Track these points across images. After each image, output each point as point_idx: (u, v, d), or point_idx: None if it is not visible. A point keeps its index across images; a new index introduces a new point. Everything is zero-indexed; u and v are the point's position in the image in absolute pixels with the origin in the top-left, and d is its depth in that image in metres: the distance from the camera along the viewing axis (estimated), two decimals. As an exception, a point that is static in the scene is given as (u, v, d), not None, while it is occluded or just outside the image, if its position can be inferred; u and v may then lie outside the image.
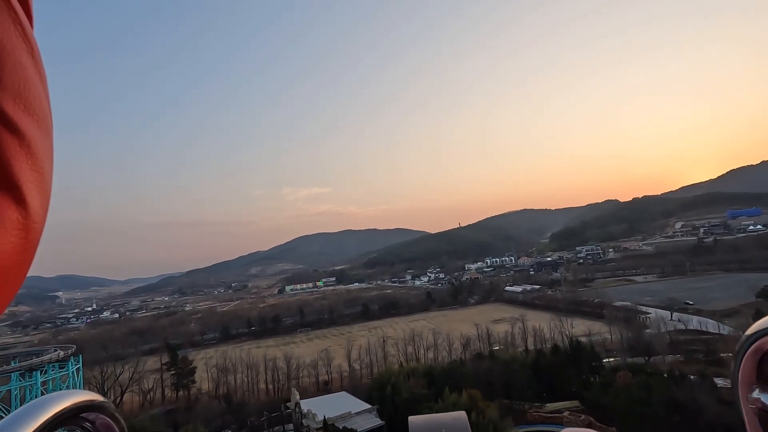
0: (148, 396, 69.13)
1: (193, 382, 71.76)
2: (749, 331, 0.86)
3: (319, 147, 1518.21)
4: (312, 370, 71.73)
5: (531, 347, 78.64)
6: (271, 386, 70.57)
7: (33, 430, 0.53)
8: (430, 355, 73.20)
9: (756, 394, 0.86)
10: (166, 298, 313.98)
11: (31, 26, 0.44)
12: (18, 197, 0.43)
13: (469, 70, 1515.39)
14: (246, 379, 70.86)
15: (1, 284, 0.43)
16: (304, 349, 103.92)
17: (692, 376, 48.23)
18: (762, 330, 0.83)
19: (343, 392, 48.75)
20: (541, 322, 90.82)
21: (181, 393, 69.82)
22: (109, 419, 0.81)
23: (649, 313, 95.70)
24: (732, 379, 0.92)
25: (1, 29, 0.43)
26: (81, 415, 0.74)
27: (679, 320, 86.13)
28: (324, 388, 67.28)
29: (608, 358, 72.60)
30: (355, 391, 63.99)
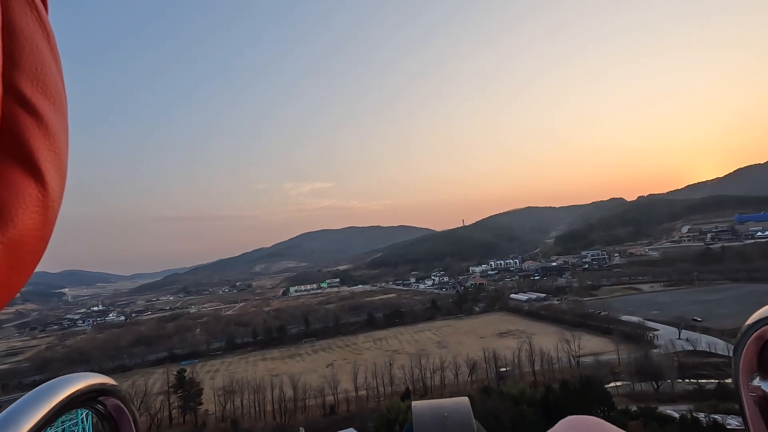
0: (155, 418, 69.33)
1: (200, 404, 71.95)
2: (751, 319, 0.88)
3: (320, 143, 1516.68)
4: (318, 393, 71.66)
5: (538, 368, 78.75)
6: (277, 406, 70.72)
7: (47, 411, 0.55)
8: (437, 378, 72.90)
9: (756, 382, 0.87)
10: (171, 298, 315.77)
11: (46, 12, 0.45)
12: (37, 175, 0.44)
13: (473, 66, 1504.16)
14: (253, 402, 71.08)
15: (22, 259, 0.44)
16: (309, 362, 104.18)
17: (703, 415, 47.78)
18: (764, 318, 0.84)
19: (351, 429, 48.61)
20: (547, 338, 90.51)
21: (188, 416, 70.06)
22: (120, 402, 0.84)
23: (657, 330, 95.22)
24: (733, 366, 0.93)
25: (19, 14, 0.44)
26: (93, 398, 0.76)
27: (687, 339, 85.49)
28: (330, 413, 67.25)
29: (616, 381, 72.36)
30: (362, 418, 64.07)
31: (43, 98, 0.44)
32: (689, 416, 44.22)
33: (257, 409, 70.67)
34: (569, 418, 1.11)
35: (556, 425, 1.07)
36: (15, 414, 0.52)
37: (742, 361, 0.89)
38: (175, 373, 72.74)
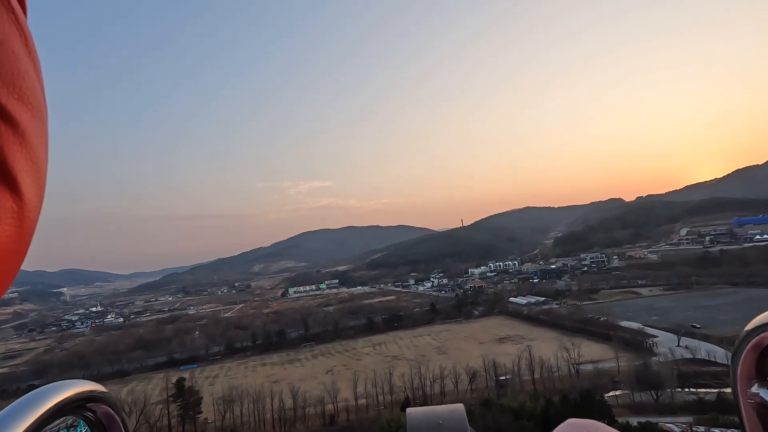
0: (154, 428, 69.12)
1: (200, 412, 71.74)
2: (749, 326, 0.90)
3: (321, 142, 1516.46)
4: (318, 402, 71.42)
5: (537, 376, 78.65)
6: (277, 416, 70.52)
7: (35, 419, 0.55)
8: (437, 387, 72.75)
9: (755, 389, 0.89)
10: (170, 299, 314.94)
11: (25, 15, 0.44)
12: (12, 186, 0.44)
13: (470, 63, 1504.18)
14: (252, 411, 70.86)
15: None
16: (309, 368, 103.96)
17: (703, 429, 47.76)
18: (763, 325, 0.87)
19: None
20: (547, 345, 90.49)
21: (187, 426, 69.85)
22: (110, 409, 0.83)
23: (656, 337, 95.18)
24: (731, 373, 0.94)
25: None
26: (82, 405, 0.75)
27: (686, 347, 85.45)
28: (330, 423, 67.11)
29: (616, 391, 72.28)
30: (362, 428, 63.98)
31: (20, 106, 0.44)
32: (690, 431, 44.21)
33: (257, 417, 70.47)
34: (569, 421, 1.13)
35: (557, 429, 1.07)
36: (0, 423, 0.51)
37: (740, 368, 0.91)
38: (174, 382, 72.39)
